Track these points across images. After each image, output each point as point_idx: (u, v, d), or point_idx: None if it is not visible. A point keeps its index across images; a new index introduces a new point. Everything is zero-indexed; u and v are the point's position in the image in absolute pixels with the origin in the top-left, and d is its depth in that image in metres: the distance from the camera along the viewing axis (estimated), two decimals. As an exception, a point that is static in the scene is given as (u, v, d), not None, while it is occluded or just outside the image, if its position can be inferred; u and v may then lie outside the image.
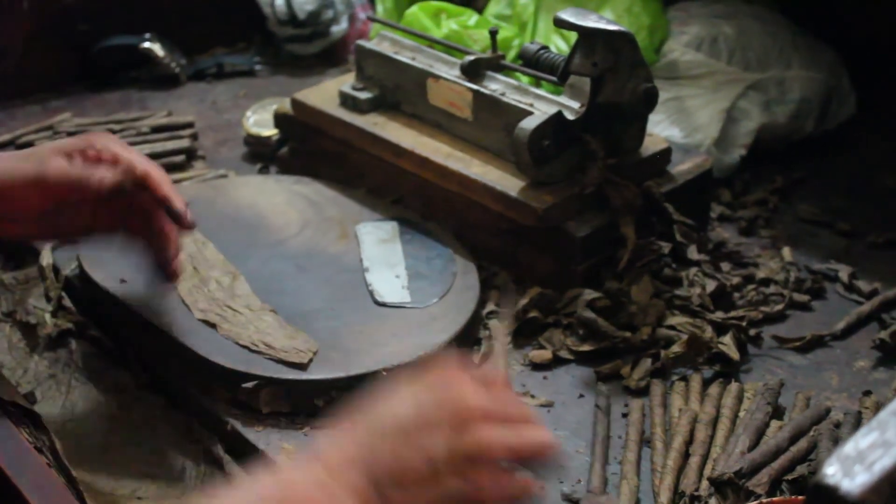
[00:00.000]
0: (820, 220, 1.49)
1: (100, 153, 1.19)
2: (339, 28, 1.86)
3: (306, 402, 1.16)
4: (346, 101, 1.46)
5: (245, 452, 1.14)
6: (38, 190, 1.17)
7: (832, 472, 0.68)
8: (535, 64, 1.36)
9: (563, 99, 1.31)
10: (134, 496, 1.14)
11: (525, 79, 1.41)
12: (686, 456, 1.10)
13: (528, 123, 1.27)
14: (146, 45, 1.79)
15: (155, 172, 1.20)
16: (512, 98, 1.33)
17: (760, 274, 1.36)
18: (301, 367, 1.17)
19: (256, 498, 0.81)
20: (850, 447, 0.69)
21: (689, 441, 1.11)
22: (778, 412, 1.15)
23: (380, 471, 0.81)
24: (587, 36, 1.26)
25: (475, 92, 1.36)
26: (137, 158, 1.21)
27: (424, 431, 0.82)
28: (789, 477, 1.05)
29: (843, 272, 1.37)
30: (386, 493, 0.81)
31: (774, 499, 1.00)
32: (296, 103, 1.49)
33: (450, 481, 0.81)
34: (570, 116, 1.28)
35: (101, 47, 1.80)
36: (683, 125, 1.51)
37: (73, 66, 1.80)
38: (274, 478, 0.85)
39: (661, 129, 1.49)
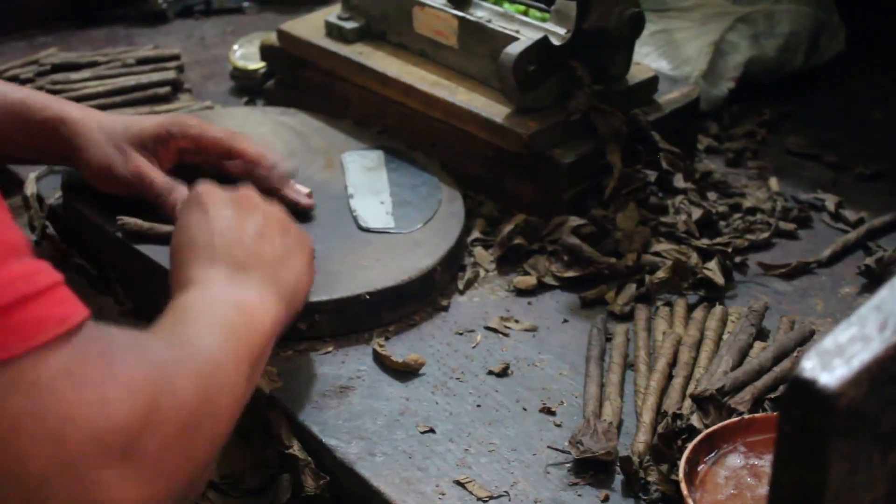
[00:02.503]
0: (807, 152, 1.48)
1: (179, 141, 1.21)
2: (327, -36, 1.84)
3: (289, 325, 1.16)
4: (332, 31, 1.45)
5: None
6: (115, 182, 1.21)
7: (810, 365, 0.67)
8: (522, -9, 1.35)
9: (550, 25, 1.30)
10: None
11: (512, 7, 1.40)
12: (669, 377, 1.09)
13: (514, 48, 1.26)
14: (133, -20, 1.78)
15: (242, 143, 1.24)
16: (498, 25, 1.32)
17: (747, 203, 1.35)
18: None
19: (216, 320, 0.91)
20: (828, 341, 0.68)
21: (673, 363, 1.11)
22: (762, 334, 1.15)
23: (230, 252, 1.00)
24: (573, -41, 1.25)
25: (461, 19, 1.35)
26: (218, 133, 1.24)
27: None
28: (772, 395, 1.05)
29: (830, 202, 1.36)
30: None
31: (756, 415, 1.01)
32: (282, 34, 1.49)
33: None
34: (556, 42, 1.27)
35: (88, -17, 1.79)
36: (671, 57, 1.50)
37: (59, 2, 1.78)
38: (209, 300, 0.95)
39: (649, 62, 1.48)
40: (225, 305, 0.94)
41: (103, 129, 1.20)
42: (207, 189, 1.07)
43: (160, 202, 1.21)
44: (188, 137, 1.22)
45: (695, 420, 1.02)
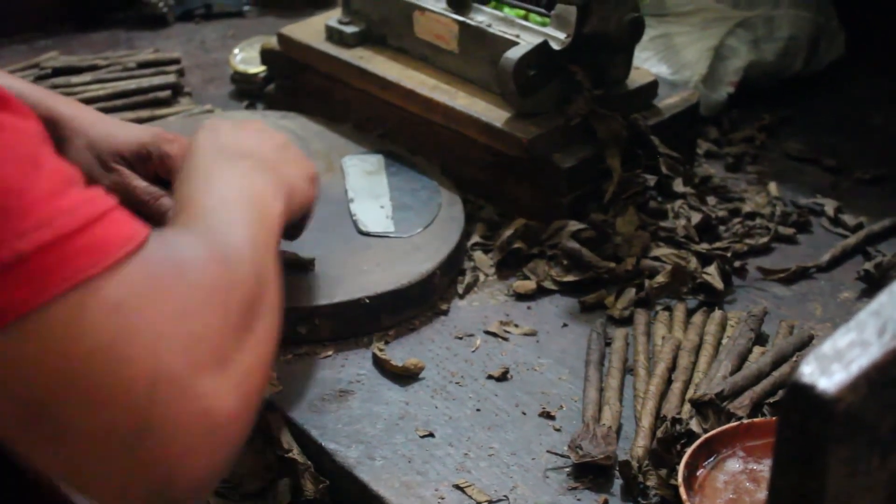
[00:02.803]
0: (807, 156, 1.48)
1: (155, 165, 1.19)
2: (328, -31, 1.85)
3: (289, 329, 1.13)
4: (333, 35, 1.45)
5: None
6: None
7: (809, 370, 0.67)
8: (522, -4, 1.36)
9: (550, 30, 1.30)
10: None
11: (512, 11, 1.40)
12: (668, 382, 1.09)
13: (514, 53, 1.26)
14: (134, -16, 1.79)
15: None
16: (498, 29, 1.33)
17: (746, 208, 1.35)
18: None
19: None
20: (827, 346, 0.69)
21: (672, 368, 1.11)
22: (761, 339, 1.15)
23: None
24: (573, -36, 1.25)
25: (461, 24, 1.35)
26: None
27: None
28: (771, 400, 1.05)
29: (829, 206, 1.36)
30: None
31: (755, 420, 1.01)
32: (282, 38, 1.49)
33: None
34: (556, 46, 1.27)
35: (89, -14, 1.79)
36: (671, 62, 1.51)
37: (60, 6, 1.79)
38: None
39: (649, 66, 1.48)
40: (243, 194, 0.94)
41: (89, 133, 1.18)
42: (217, 120, 1.10)
43: (146, 208, 1.18)
44: (164, 167, 1.19)
45: (694, 425, 1.02)
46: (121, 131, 1.20)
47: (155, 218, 1.16)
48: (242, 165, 0.99)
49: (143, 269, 0.71)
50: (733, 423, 1.00)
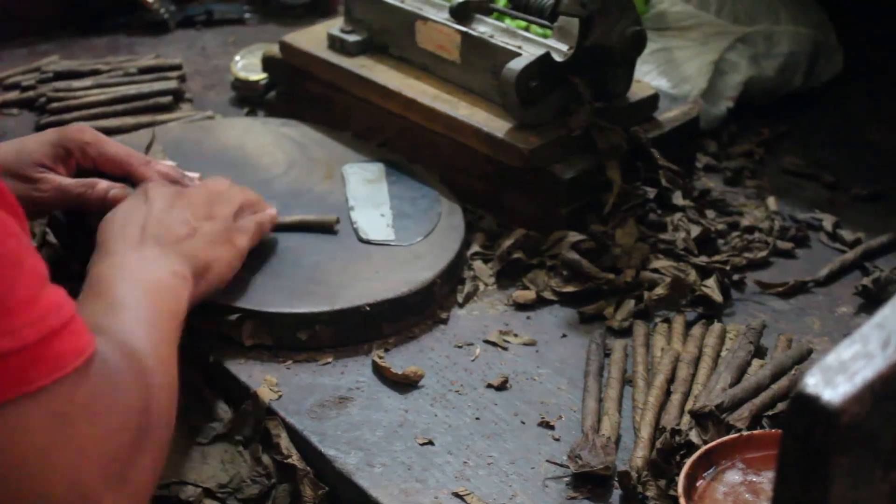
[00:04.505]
0: (805, 172, 1.49)
1: (77, 158, 1.20)
2: (329, -22, 1.85)
3: (289, 336, 1.16)
4: (335, 43, 1.46)
5: (227, 385, 1.15)
6: (36, 206, 1.19)
7: (813, 382, 0.67)
8: (524, 7, 1.36)
9: (552, 41, 1.31)
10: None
11: (514, 23, 1.40)
12: (668, 393, 1.10)
13: (517, 64, 1.26)
14: (136, -11, 1.79)
15: (141, 168, 1.23)
16: (500, 40, 1.33)
17: (745, 221, 1.36)
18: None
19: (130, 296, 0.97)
20: (832, 358, 0.69)
21: (671, 379, 1.11)
22: (760, 352, 1.15)
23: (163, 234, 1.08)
24: (577, -24, 1.26)
25: (463, 34, 1.35)
26: (117, 153, 1.23)
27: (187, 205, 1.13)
28: (770, 413, 1.05)
29: (827, 221, 1.37)
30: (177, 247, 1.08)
31: (755, 432, 1.01)
32: (284, 46, 1.49)
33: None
34: (558, 58, 1.28)
35: (90, -9, 1.79)
36: (671, 76, 1.51)
37: (61, 10, 1.78)
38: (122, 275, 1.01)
39: (649, 80, 1.49)
40: (149, 287, 1.00)
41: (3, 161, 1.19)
42: (155, 184, 1.17)
43: (85, 200, 1.19)
44: (87, 157, 1.21)
45: (693, 436, 1.02)
46: (28, 143, 1.21)
47: (97, 204, 1.19)
48: (152, 251, 1.06)
49: (86, 385, 0.75)
50: (733, 435, 1.00)
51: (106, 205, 1.17)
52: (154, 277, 1.02)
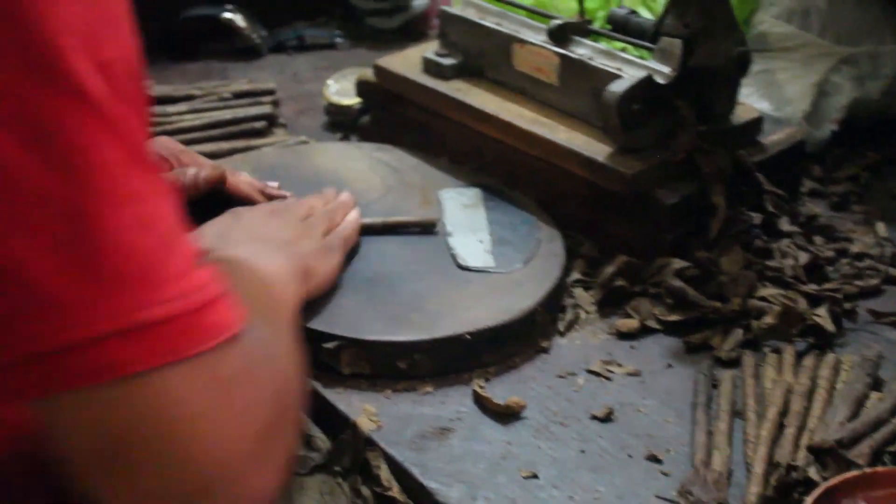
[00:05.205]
0: (914, 197, 1.45)
1: (173, 160, 1.23)
2: (421, 2, 1.85)
3: (388, 364, 1.14)
4: (430, 67, 1.44)
5: (325, 414, 1.12)
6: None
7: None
8: (624, 28, 1.34)
9: (653, 63, 1.28)
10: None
11: (613, 44, 1.38)
12: (781, 427, 1.06)
13: (618, 87, 1.24)
14: (228, 15, 1.79)
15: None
16: (600, 62, 1.31)
17: (854, 248, 1.32)
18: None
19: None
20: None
21: (784, 412, 1.07)
22: (877, 384, 1.11)
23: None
24: (681, -4, 1.23)
25: (562, 56, 1.33)
26: (204, 158, 1.27)
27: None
28: (891, 448, 1.01)
29: (941, 248, 1.33)
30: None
31: (878, 468, 0.97)
32: (378, 70, 1.48)
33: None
34: (660, 80, 1.25)
35: (183, 17, 1.80)
36: (773, 98, 1.48)
37: (154, 37, 1.79)
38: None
39: (750, 102, 1.45)
40: (269, 284, 1.01)
41: None
42: (243, 207, 1.20)
43: (180, 186, 1.20)
44: (182, 163, 1.23)
45: (812, 472, 0.98)
46: None
47: (191, 188, 1.21)
48: (260, 247, 1.08)
49: (238, 357, 0.75)
50: (855, 472, 0.96)
51: (199, 186, 1.20)
52: (267, 269, 1.03)
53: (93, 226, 0.68)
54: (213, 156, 1.44)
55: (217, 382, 0.73)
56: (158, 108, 1.56)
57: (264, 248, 1.08)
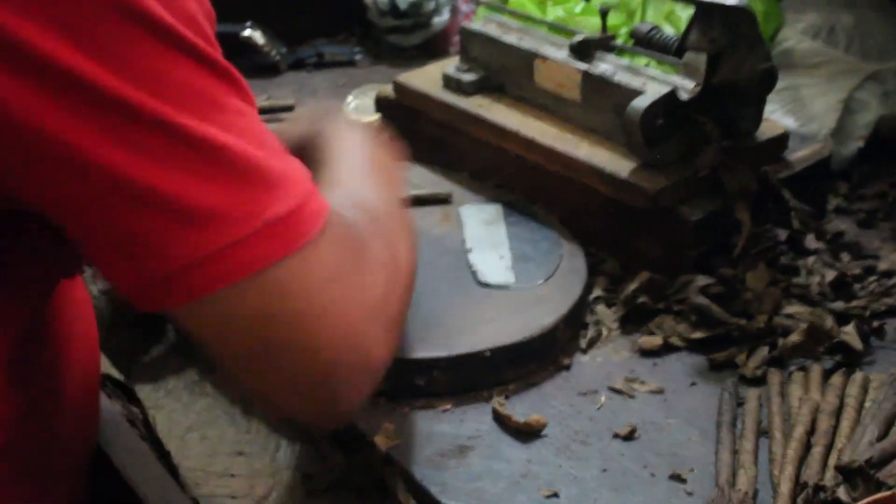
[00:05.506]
0: (943, 215, 1.42)
1: None
2: (441, 19, 1.84)
3: (407, 382, 1.12)
4: (450, 83, 1.43)
5: (341, 431, 1.11)
6: None
7: None
8: (647, 44, 1.32)
9: (677, 78, 1.26)
10: (227, 473, 1.12)
11: (636, 59, 1.36)
12: (808, 446, 1.04)
13: (641, 102, 1.22)
14: (247, 32, 1.79)
15: None
16: (622, 78, 1.29)
17: (882, 266, 1.29)
18: None
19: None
20: None
21: (811, 431, 1.05)
22: (906, 403, 1.09)
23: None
24: (705, 10, 1.21)
25: (584, 72, 1.32)
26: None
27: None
28: (922, 469, 0.99)
29: (970, 266, 1.30)
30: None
31: (907, 489, 0.94)
32: (398, 86, 1.47)
33: None
34: (684, 96, 1.23)
35: (202, 35, 1.79)
36: (799, 115, 1.46)
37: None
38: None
39: (776, 119, 1.44)
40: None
41: None
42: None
43: None
44: None
45: (842, 493, 0.96)
46: None
47: None
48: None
49: (333, 240, 0.84)
50: (885, 493, 0.93)
51: None
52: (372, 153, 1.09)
53: (220, 151, 0.77)
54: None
55: (330, 257, 0.83)
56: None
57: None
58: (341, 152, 1.06)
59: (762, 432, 1.08)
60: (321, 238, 0.82)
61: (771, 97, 1.29)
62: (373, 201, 0.98)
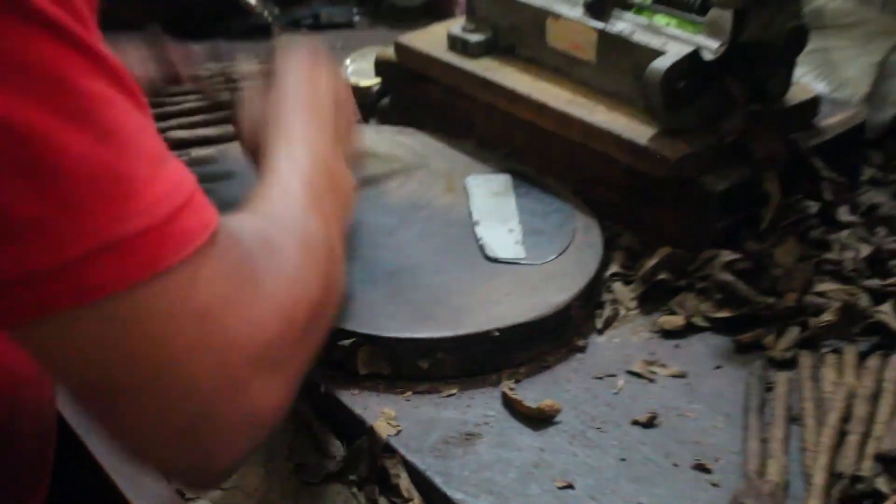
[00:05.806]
0: (982, 186, 1.35)
1: None
2: (445, -23, 1.78)
3: (409, 364, 1.06)
4: (456, 44, 1.36)
5: (339, 418, 1.05)
6: None
7: None
8: (668, 1, 1.25)
9: (701, 38, 1.20)
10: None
11: (657, 17, 1.30)
12: (843, 433, 0.97)
13: (662, 63, 1.15)
14: (239, -7, 1.73)
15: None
16: (641, 37, 1.22)
17: (920, 240, 1.23)
18: None
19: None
20: None
21: (846, 417, 0.99)
22: (951, 388, 1.02)
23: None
24: (732, -38, 1.14)
25: (600, 31, 1.25)
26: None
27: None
28: (968, 459, 0.92)
29: None
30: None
31: (957, 483, 0.87)
32: (400, 48, 1.40)
33: None
34: (708, 56, 1.16)
35: (192, -5, 1.74)
36: (830, 79, 1.40)
37: (161, 14, 1.72)
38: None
39: (806, 82, 1.38)
40: (322, 173, 0.95)
41: None
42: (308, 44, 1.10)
43: None
44: None
45: (881, 483, 0.90)
46: None
47: None
48: (321, 130, 1.00)
49: (218, 263, 0.73)
50: (931, 486, 0.87)
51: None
52: (324, 154, 0.98)
53: (48, 146, 0.65)
54: (217, 140, 1.40)
55: (206, 289, 0.71)
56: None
57: (328, 131, 1.01)
58: (283, 102, 1.00)
59: (793, 419, 1.02)
60: (196, 260, 0.70)
61: (801, 59, 1.24)
62: (321, 232, 0.87)
